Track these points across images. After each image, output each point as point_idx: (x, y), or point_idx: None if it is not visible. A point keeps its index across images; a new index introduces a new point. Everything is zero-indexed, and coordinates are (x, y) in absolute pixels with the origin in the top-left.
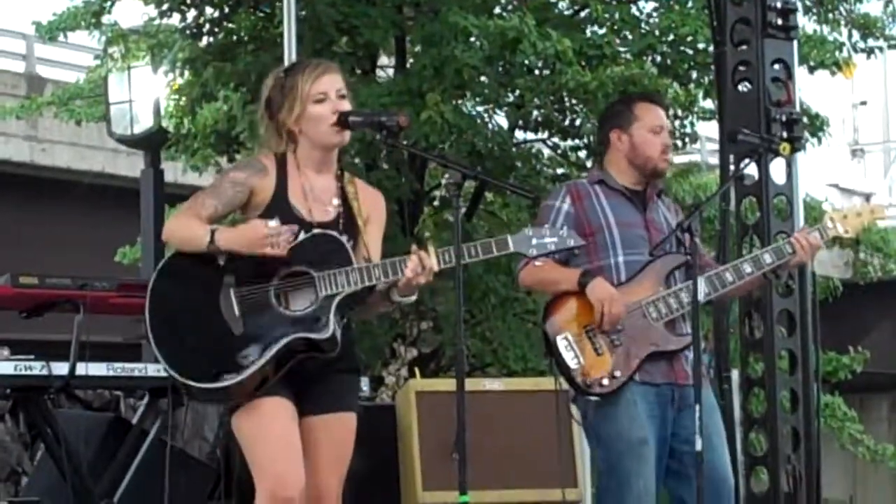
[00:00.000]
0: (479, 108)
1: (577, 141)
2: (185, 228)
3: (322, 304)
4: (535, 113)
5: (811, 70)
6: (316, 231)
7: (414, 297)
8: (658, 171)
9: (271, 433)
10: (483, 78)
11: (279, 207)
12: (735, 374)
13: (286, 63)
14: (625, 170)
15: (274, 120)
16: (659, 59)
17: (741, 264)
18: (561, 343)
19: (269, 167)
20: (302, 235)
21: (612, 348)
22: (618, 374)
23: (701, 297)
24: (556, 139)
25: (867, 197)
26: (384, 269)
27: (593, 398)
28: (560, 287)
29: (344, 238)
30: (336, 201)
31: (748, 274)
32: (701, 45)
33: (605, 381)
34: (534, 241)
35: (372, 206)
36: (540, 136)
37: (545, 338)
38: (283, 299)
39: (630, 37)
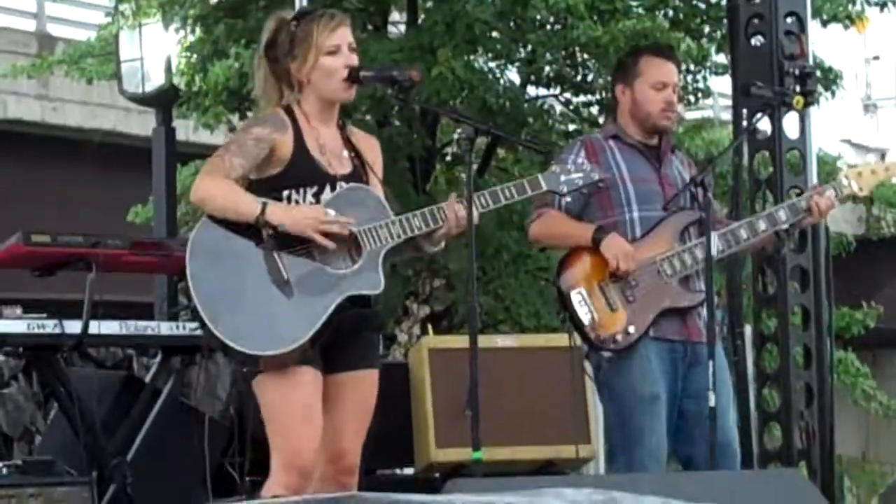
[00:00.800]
0: (491, 64)
1: (588, 96)
2: (230, 197)
3: (368, 258)
4: (547, 68)
5: (824, 24)
6: (347, 185)
7: (442, 246)
8: (659, 128)
9: (298, 403)
10: (494, 33)
11: (302, 163)
12: (748, 330)
13: None
14: (632, 124)
15: (278, 66)
16: (671, 13)
17: (756, 221)
18: (575, 298)
19: (287, 121)
20: (327, 192)
21: (626, 304)
22: (631, 329)
23: (715, 253)
24: (567, 94)
25: (882, 154)
26: (423, 218)
27: (606, 353)
28: (573, 241)
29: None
30: (346, 153)
31: (763, 231)
32: None
33: (619, 337)
34: (562, 178)
35: (370, 151)
36: (552, 91)
37: (559, 292)
38: (328, 257)
39: None
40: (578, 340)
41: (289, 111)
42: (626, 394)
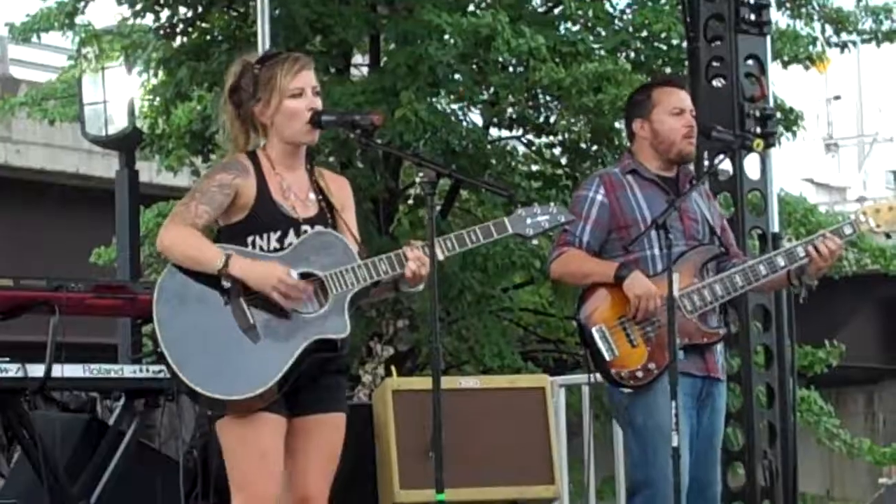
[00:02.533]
0: (454, 106)
1: (551, 137)
2: (194, 247)
3: (334, 303)
4: (510, 110)
5: (785, 65)
6: (313, 230)
7: (421, 286)
8: (683, 155)
9: (257, 448)
10: (457, 76)
11: (265, 207)
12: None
13: None
14: (652, 158)
15: (242, 109)
16: (633, 55)
17: (775, 258)
18: (595, 334)
19: (249, 167)
20: (291, 236)
21: (646, 340)
22: (651, 366)
23: (737, 290)
24: (530, 136)
25: (842, 191)
26: (389, 262)
27: (626, 390)
28: (595, 279)
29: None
30: (312, 196)
31: (781, 268)
32: (675, 41)
33: (640, 374)
34: (528, 221)
35: (340, 191)
36: (514, 133)
37: (579, 327)
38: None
39: (603, 33)
40: (595, 377)
41: (252, 156)
42: (651, 430)
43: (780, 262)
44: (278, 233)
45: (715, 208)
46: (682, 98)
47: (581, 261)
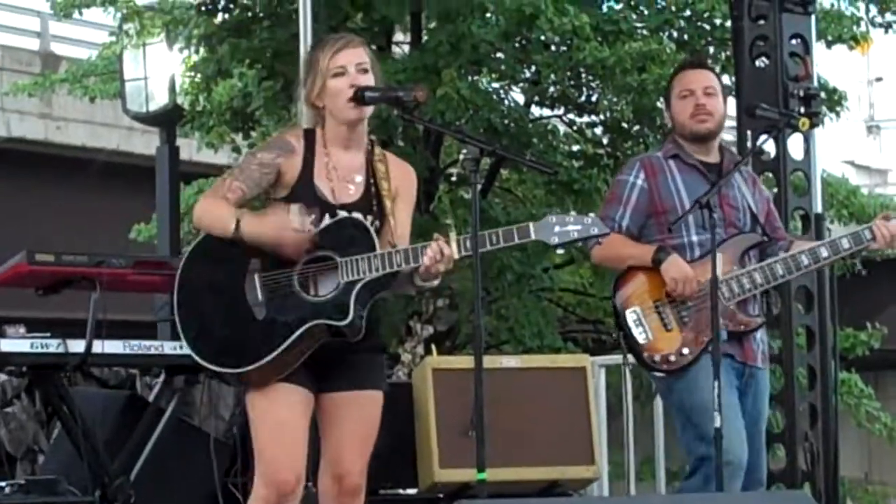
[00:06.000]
0: (496, 85)
1: (593, 117)
2: (213, 213)
3: (344, 290)
4: (552, 89)
5: (829, 45)
6: (342, 215)
7: (437, 282)
8: (695, 135)
9: (274, 418)
10: (499, 54)
11: (304, 188)
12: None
13: (301, 40)
14: (684, 143)
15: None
16: (676, 34)
17: (818, 248)
18: (630, 317)
19: (296, 147)
20: (327, 219)
21: (681, 324)
22: (685, 351)
23: (777, 279)
24: (572, 115)
25: (883, 174)
26: (405, 255)
27: (660, 374)
28: (634, 262)
29: (369, 220)
30: (359, 178)
31: (825, 258)
32: (718, 21)
33: (673, 358)
34: (556, 229)
35: (401, 179)
36: (556, 112)
37: (614, 311)
38: (309, 284)
39: (647, 12)
40: (629, 360)
41: (308, 134)
42: (698, 409)
43: (824, 252)
44: (313, 216)
45: (760, 193)
46: (692, 79)
47: (620, 245)
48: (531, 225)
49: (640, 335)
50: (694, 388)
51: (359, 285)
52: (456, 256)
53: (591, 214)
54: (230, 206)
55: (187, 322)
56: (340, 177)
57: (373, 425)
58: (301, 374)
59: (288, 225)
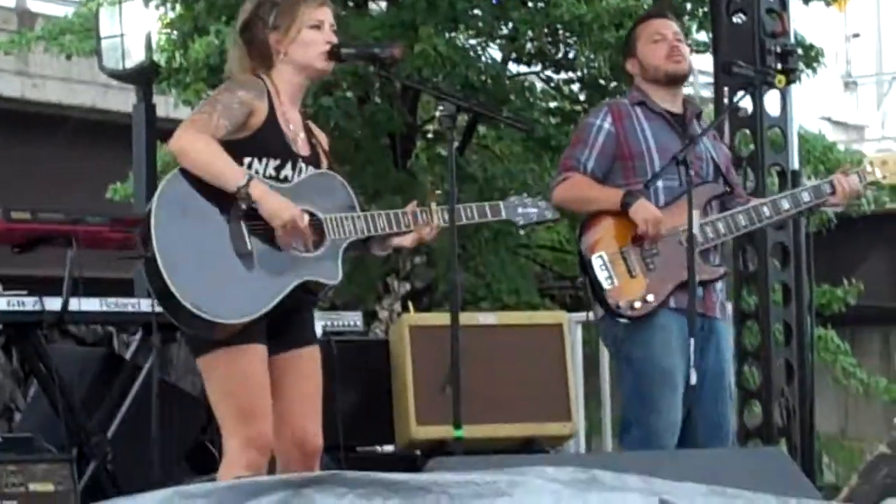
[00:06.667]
0: (473, 41)
1: (570, 74)
2: (219, 159)
3: (330, 248)
4: (529, 46)
5: (805, 1)
6: (317, 170)
7: (389, 252)
8: (672, 75)
9: (256, 379)
10: (476, 10)
11: (271, 133)
12: (729, 307)
13: None
14: (652, 91)
15: (253, 46)
16: None
17: (779, 200)
18: (596, 262)
19: (264, 88)
20: (289, 170)
21: (645, 272)
22: (650, 298)
23: (740, 230)
24: (549, 72)
25: (860, 130)
26: (388, 219)
27: (623, 321)
28: (600, 206)
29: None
30: (303, 134)
31: (785, 210)
32: None
33: (637, 304)
34: (519, 210)
35: (324, 144)
36: (533, 68)
37: (580, 256)
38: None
39: None
40: (591, 315)
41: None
42: (647, 365)
43: (785, 204)
44: (277, 161)
45: (721, 149)
46: (662, 25)
47: (586, 187)
48: (501, 204)
49: (605, 280)
50: (649, 342)
51: (344, 244)
52: (439, 226)
53: (544, 200)
54: (230, 160)
55: (173, 267)
56: (293, 131)
57: (318, 381)
58: (262, 332)
59: (297, 212)
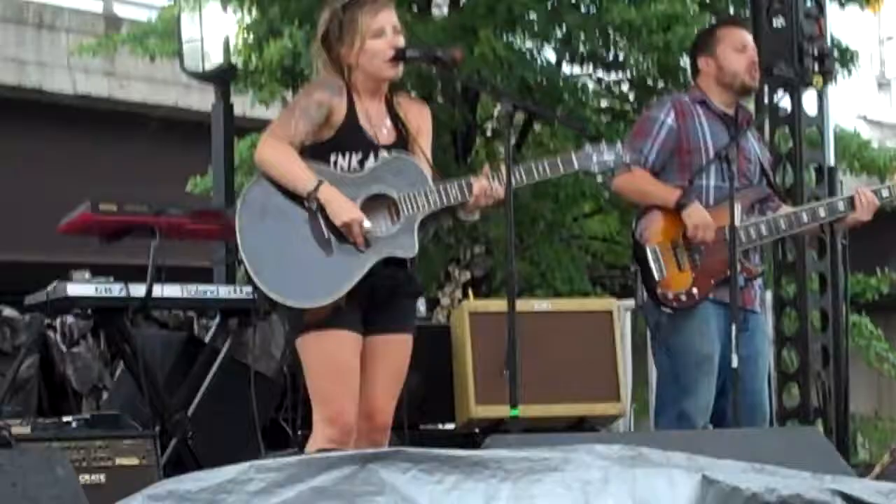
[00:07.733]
0: (529, 44)
1: (620, 74)
2: (293, 167)
3: (405, 223)
4: (582, 48)
5: (842, 5)
6: (391, 154)
7: (476, 216)
8: (746, 87)
9: (334, 365)
10: (532, 15)
11: (351, 129)
12: (769, 295)
13: None
14: (717, 93)
15: (332, 54)
16: None
17: (817, 209)
18: (650, 253)
19: (343, 88)
20: (371, 161)
21: (692, 267)
22: (695, 291)
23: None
24: (600, 73)
25: (894, 128)
26: (460, 189)
27: (667, 310)
28: (655, 202)
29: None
30: (388, 123)
31: (822, 218)
32: None
33: (683, 297)
34: (594, 158)
35: (419, 117)
36: (586, 70)
37: (635, 244)
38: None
39: None
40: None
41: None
42: (684, 351)
43: (822, 213)
44: (359, 155)
45: (765, 152)
46: (746, 38)
47: (645, 181)
48: (573, 156)
49: (656, 271)
50: (690, 331)
51: (419, 218)
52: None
53: (619, 142)
54: (304, 165)
55: (257, 263)
56: (375, 124)
57: (402, 367)
58: (355, 319)
59: (360, 217)
